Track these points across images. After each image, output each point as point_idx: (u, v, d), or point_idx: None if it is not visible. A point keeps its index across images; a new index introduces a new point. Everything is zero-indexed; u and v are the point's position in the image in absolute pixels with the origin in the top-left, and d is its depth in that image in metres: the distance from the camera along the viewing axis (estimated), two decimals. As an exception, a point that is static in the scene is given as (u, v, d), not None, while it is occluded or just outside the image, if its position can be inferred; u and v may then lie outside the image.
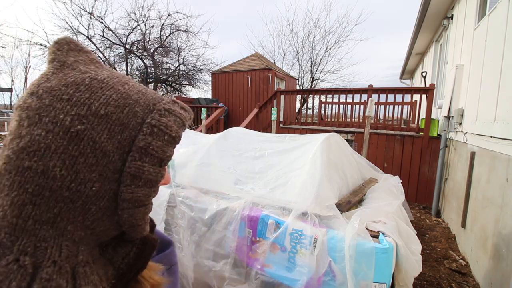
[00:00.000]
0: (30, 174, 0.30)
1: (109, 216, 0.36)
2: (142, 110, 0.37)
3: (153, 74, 12.03)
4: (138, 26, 11.20)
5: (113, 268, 0.38)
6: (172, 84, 12.93)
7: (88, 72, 0.36)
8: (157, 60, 12.11)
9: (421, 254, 1.45)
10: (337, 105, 6.35)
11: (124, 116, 0.34)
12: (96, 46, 10.86)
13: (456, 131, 3.85)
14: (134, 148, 0.35)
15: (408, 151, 4.98)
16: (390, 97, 5.66)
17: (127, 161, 0.34)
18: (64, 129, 0.31)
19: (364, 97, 6.02)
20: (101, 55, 11.09)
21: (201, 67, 12.63)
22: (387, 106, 5.95)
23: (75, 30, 10.39)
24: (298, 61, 13.89)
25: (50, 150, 0.30)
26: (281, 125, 6.59)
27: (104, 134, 0.33)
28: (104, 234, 0.37)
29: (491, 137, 2.61)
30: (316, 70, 13.73)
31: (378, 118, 5.92)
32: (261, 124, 7.15)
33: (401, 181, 2.25)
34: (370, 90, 5.60)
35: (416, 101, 5.84)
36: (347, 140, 5.40)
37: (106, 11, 10.57)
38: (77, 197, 0.32)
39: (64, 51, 0.37)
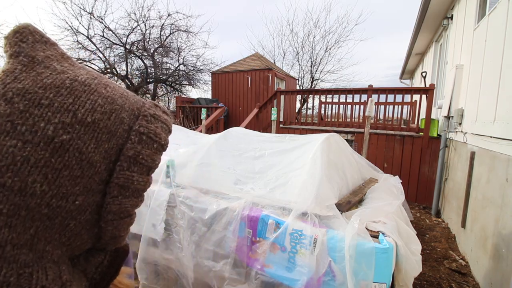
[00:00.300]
0: (4, 193, 0.25)
1: (88, 230, 0.33)
2: (128, 116, 0.34)
3: (153, 74, 12.04)
4: (138, 26, 11.21)
5: (86, 279, 0.36)
6: (172, 84, 12.93)
7: (65, 71, 0.31)
8: (157, 60, 12.11)
9: (421, 254, 1.45)
10: (337, 105, 6.35)
11: (111, 123, 0.32)
12: (96, 46, 10.87)
13: (456, 131, 3.86)
14: (122, 157, 0.33)
15: (408, 151, 4.98)
16: (390, 97, 5.67)
17: (114, 171, 0.32)
18: (46, 139, 0.27)
19: (364, 97, 6.02)
20: (101, 55, 11.09)
21: (201, 67, 12.63)
22: (387, 106, 5.96)
23: (75, 30, 10.39)
24: (298, 61, 13.90)
25: (29, 163, 0.26)
26: (281, 125, 6.60)
27: (92, 143, 0.30)
28: (79, 248, 0.34)
29: (491, 137, 2.61)
30: (316, 70, 13.74)
31: (378, 118, 5.93)
32: (261, 124, 7.16)
33: (401, 181, 2.25)
34: (370, 90, 5.61)
35: (416, 101, 5.84)
36: (347, 140, 5.40)
37: (106, 11, 10.57)
38: (56, 213, 0.28)
39: (30, 43, 0.30)
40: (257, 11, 37.76)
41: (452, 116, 3.91)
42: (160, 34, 11.66)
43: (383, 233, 1.37)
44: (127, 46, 11.15)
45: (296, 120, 9.43)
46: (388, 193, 1.98)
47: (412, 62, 9.41)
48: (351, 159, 2.20)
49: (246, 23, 36.94)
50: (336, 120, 6.24)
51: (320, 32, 16.28)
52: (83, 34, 10.52)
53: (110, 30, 10.85)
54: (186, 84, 13.10)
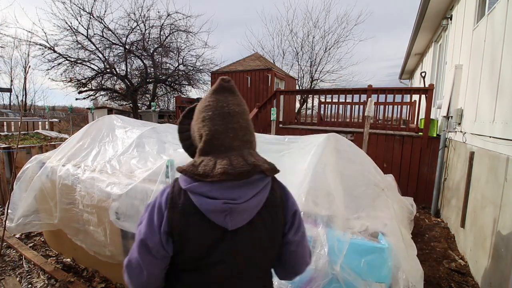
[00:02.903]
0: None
1: None
2: None
3: (153, 74, 12.02)
4: (138, 26, 11.20)
5: None
6: (172, 84, 12.92)
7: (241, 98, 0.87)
8: (157, 60, 12.09)
9: (420, 253, 1.45)
10: (336, 105, 6.35)
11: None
12: (96, 46, 10.85)
13: (455, 131, 3.86)
14: None
15: (408, 151, 4.99)
16: (390, 97, 5.68)
17: None
18: (243, 111, 0.82)
19: (364, 97, 6.03)
20: (100, 55, 11.07)
21: (201, 67, 12.63)
22: (387, 106, 5.96)
23: (74, 30, 10.37)
24: (298, 61, 13.91)
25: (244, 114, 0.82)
26: (280, 125, 6.60)
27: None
28: None
29: (490, 137, 2.62)
30: (316, 70, 13.75)
31: (377, 118, 5.93)
32: (260, 124, 7.15)
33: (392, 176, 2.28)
34: (369, 90, 5.61)
35: (415, 101, 5.85)
36: (346, 140, 5.38)
37: (105, 11, 10.57)
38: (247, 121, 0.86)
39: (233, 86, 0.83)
40: (256, 11, 37.75)
41: (452, 116, 3.91)
42: (160, 34, 11.66)
43: (383, 233, 1.38)
44: (127, 46, 11.14)
45: (296, 120, 9.43)
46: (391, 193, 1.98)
47: (412, 62, 9.42)
48: (354, 159, 2.16)
49: (245, 23, 36.94)
50: (335, 120, 6.24)
51: (319, 32, 16.27)
52: (82, 34, 10.51)
53: (110, 30, 10.84)
54: (186, 84, 13.09)
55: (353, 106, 6.21)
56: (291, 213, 0.85)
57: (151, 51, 11.64)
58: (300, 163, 1.92)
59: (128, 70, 11.67)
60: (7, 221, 2.54)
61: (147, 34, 11.50)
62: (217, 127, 0.76)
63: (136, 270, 0.77)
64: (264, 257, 0.83)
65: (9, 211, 2.58)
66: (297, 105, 12.61)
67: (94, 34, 10.70)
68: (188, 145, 0.87)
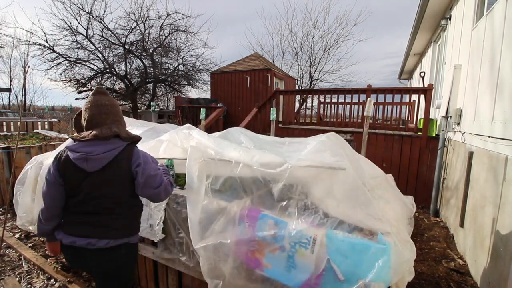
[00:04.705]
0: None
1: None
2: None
3: (152, 74, 12.01)
4: (137, 26, 11.18)
5: None
6: (171, 84, 12.91)
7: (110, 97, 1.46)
8: (156, 60, 12.08)
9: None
10: (336, 105, 6.36)
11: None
12: (95, 46, 10.83)
13: (454, 131, 3.87)
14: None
15: (407, 151, 5.00)
16: (389, 97, 5.68)
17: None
18: (113, 106, 1.41)
19: (363, 97, 6.04)
20: (100, 55, 11.05)
21: (200, 67, 12.61)
22: (386, 106, 5.97)
23: (73, 30, 10.36)
24: (297, 61, 13.92)
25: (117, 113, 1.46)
26: (280, 125, 6.60)
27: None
28: None
29: (489, 137, 2.62)
30: (315, 70, 13.77)
31: (377, 118, 5.94)
32: (260, 124, 7.16)
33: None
34: (369, 90, 5.62)
35: (414, 101, 5.86)
36: (345, 140, 5.39)
37: (105, 11, 10.54)
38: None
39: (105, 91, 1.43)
40: (256, 11, 37.70)
41: (451, 116, 3.92)
42: (159, 34, 11.64)
43: (382, 233, 1.38)
44: (126, 46, 11.12)
45: (295, 120, 9.44)
46: (390, 192, 1.98)
47: (411, 62, 9.44)
48: (351, 160, 2.15)
49: (245, 21, 36.86)
50: (335, 120, 6.24)
51: (319, 33, 16.27)
52: (82, 34, 10.49)
53: (109, 30, 10.82)
54: (185, 84, 13.08)
55: (353, 106, 6.22)
56: (135, 165, 1.30)
57: (151, 51, 11.63)
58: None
59: (128, 70, 11.65)
60: (30, 227, 2.59)
61: (147, 34, 11.48)
62: (93, 112, 1.31)
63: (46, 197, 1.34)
64: (118, 190, 1.32)
65: (22, 214, 2.65)
66: (297, 105, 12.62)
67: (94, 34, 10.69)
68: (78, 127, 1.44)
